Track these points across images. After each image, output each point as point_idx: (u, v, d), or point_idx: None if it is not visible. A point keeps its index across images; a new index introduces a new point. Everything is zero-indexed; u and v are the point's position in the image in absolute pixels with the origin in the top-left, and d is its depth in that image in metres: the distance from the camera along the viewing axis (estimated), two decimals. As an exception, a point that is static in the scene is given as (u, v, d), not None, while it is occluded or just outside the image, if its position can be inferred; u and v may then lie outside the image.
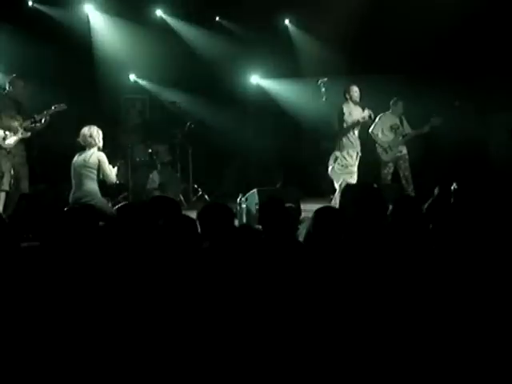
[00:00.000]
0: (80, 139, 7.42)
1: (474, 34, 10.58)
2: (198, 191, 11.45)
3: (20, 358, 2.93)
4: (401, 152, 10.01)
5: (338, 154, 9.25)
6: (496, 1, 10.48)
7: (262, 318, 2.99)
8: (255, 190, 8.41)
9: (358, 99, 9.31)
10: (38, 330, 3.02)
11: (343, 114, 9.24)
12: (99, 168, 7.33)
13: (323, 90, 11.04)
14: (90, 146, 7.36)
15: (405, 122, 10.12)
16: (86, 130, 7.42)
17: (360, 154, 9.34)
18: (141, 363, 2.90)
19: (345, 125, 9.22)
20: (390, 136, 10.06)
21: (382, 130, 10.06)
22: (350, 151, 9.23)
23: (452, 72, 10.92)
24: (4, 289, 3.23)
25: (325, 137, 11.29)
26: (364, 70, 10.63)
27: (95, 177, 7.30)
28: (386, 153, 10.04)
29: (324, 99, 10.61)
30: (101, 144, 7.44)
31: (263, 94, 12.22)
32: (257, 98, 12.08)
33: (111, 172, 7.41)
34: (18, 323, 3.05)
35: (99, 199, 7.21)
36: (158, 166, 10.93)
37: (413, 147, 10.53)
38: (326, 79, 10.34)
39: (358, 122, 9.19)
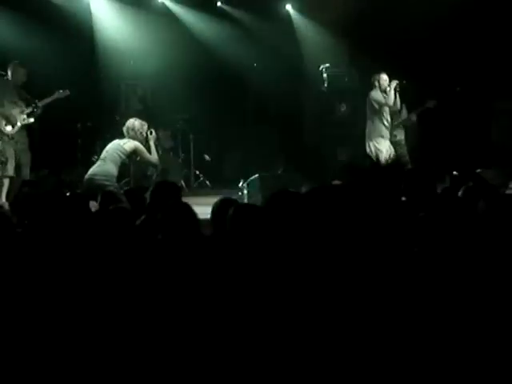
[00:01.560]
0: (124, 130, 7.61)
1: (477, 18, 10.53)
2: (200, 177, 11.45)
3: (15, 346, 2.94)
4: (395, 137, 9.89)
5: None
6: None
7: (261, 309, 2.99)
8: (257, 176, 8.41)
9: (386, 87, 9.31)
10: (32, 318, 3.02)
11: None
12: (132, 155, 7.55)
13: (325, 75, 11.04)
14: (132, 138, 7.54)
15: (403, 108, 10.01)
16: (129, 123, 7.64)
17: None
18: (136, 352, 2.91)
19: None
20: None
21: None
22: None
23: (454, 57, 10.87)
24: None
25: (326, 122, 11.31)
26: (366, 56, 10.59)
27: (120, 163, 7.47)
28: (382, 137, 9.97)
29: (326, 85, 10.63)
30: (143, 138, 7.62)
31: (264, 79, 12.17)
32: (258, 83, 12.04)
33: (151, 155, 7.63)
34: (12, 311, 3.05)
35: (114, 184, 7.31)
36: (160, 151, 10.92)
37: (412, 133, 10.51)
38: (327, 65, 10.36)
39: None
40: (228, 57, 11.61)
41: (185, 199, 8.40)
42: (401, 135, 9.95)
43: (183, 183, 10.88)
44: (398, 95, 9.36)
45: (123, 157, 7.47)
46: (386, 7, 10.73)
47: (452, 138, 11.04)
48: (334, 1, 11.09)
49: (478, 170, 8.97)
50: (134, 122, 7.65)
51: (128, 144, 7.50)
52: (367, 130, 9.39)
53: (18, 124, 8.03)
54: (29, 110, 8.11)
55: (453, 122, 10.89)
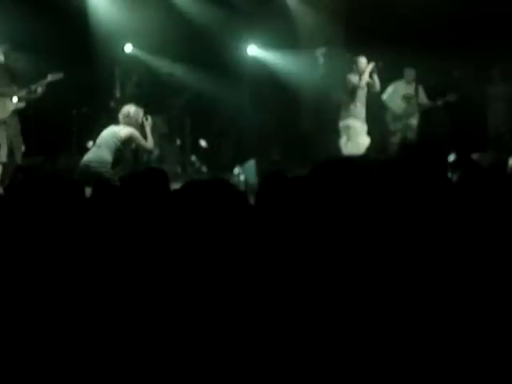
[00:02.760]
0: (119, 116, 7.61)
1: (475, 3, 10.50)
2: (196, 163, 11.42)
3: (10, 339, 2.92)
4: (412, 123, 9.94)
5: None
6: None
7: (256, 303, 2.97)
8: (253, 161, 8.40)
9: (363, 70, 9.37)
10: (27, 311, 3.00)
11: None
12: (127, 142, 7.53)
13: (321, 60, 11.03)
14: (127, 124, 7.54)
15: (421, 93, 10.01)
16: (125, 109, 7.66)
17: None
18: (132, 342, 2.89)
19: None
20: (402, 106, 10.00)
21: (394, 99, 10.00)
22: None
23: (451, 41, 10.84)
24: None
25: (323, 108, 11.27)
26: (362, 40, 10.54)
27: (115, 150, 7.43)
28: (395, 122, 9.99)
29: (322, 70, 10.60)
30: (138, 124, 7.61)
31: (261, 64, 12.12)
32: (254, 69, 11.99)
33: (146, 141, 7.64)
34: (7, 301, 3.04)
35: (109, 170, 7.29)
36: (155, 137, 10.88)
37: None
38: (324, 50, 10.32)
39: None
40: (224, 42, 11.55)
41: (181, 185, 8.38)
42: (414, 120, 9.97)
43: (179, 169, 10.85)
44: (376, 77, 9.40)
45: (118, 143, 7.45)
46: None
47: (449, 123, 11.04)
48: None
49: (475, 155, 9.01)
50: (129, 109, 7.65)
51: (123, 131, 7.48)
52: (341, 112, 9.49)
53: (10, 108, 7.98)
54: (20, 94, 8.06)
55: (449, 107, 10.88)
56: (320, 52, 11.12)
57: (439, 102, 9.94)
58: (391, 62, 10.08)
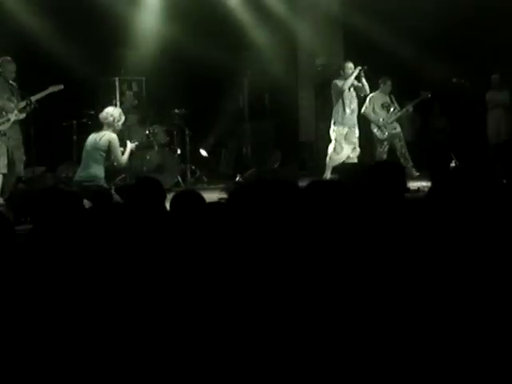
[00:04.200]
0: (100, 116, 7.47)
1: (474, 11, 10.53)
2: (196, 172, 11.42)
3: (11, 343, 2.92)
4: (395, 129, 10.06)
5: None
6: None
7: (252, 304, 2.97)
8: (253, 170, 8.41)
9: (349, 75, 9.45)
10: (30, 317, 3.01)
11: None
12: (109, 150, 7.41)
13: (320, 69, 11.08)
14: (108, 125, 7.44)
15: (394, 101, 10.16)
16: (109, 109, 7.55)
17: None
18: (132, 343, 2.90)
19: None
20: (383, 114, 10.12)
21: (374, 109, 10.11)
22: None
23: (450, 48, 10.88)
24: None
25: (322, 116, 11.28)
26: (361, 50, 10.58)
27: (103, 160, 7.41)
28: (381, 131, 10.06)
29: (321, 79, 10.65)
30: (118, 128, 7.54)
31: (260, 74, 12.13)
32: (254, 79, 11.99)
33: (122, 155, 7.51)
34: (9, 309, 3.04)
35: (103, 185, 7.33)
36: (156, 147, 10.89)
37: (409, 124, 10.55)
38: (323, 60, 10.36)
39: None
40: (221, 53, 11.56)
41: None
42: (397, 128, 10.08)
43: (180, 178, 10.85)
44: (364, 80, 9.45)
45: (103, 154, 7.41)
46: (381, 1, 10.72)
47: (448, 130, 11.07)
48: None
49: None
50: (113, 110, 7.61)
51: (104, 138, 7.41)
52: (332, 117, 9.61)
53: (11, 120, 7.97)
54: (21, 106, 8.06)
55: (448, 114, 10.91)
56: (319, 62, 11.17)
57: (413, 103, 10.08)
58: (389, 73, 10.14)
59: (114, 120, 7.47)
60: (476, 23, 10.58)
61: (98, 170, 7.33)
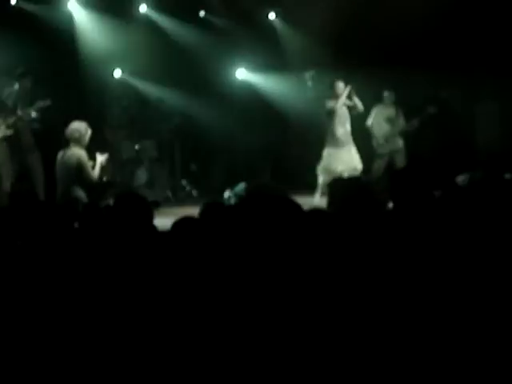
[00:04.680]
0: (66, 132, 7.33)
1: (460, 23, 10.58)
2: (186, 187, 11.41)
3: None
4: (398, 144, 10.01)
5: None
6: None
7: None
8: (243, 185, 8.40)
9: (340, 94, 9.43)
10: (26, 328, 3.00)
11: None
12: (79, 169, 7.21)
13: (310, 83, 11.09)
14: (75, 141, 7.26)
15: (401, 116, 10.11)
16: (75, 125, 7.34)
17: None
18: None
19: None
20: (386, 127, 10.05)
21: (378, 122, 10.05)
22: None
23: (438, 62, 10.92)
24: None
25: (312, 130, 11.29)
26: (350, 63, 10.61)
27: (80, 180, 7.21)
28: (382, 146, 10.02)
29: (310, 92, 10.65)
30: (85, 142, 7.34)
31: (250, 88, 12.17)
32: (243, 93, 12.03)
33: (92, 172, 7.28)
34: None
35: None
36: (145, 162, 10.88)
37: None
38: (312, 72, 10.38)
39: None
40: (212, 66, 11.60)
41: (172, 209, 8.40)
42: (400, 143, 10.03)
43: (170, 193, 10.84)
44: (356, 98, 9.44)
45: (75, 173, 7.19)
46: (371, 15, 10.76)
47: (437, 142, 11.09)
48: (317, 9, 11.10)
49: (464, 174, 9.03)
50: (79, 124, 7.34)
51: (72, 158, 7.20)
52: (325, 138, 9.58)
53: (-1, 135, 7.93)
54: (10, 121, 8.01)
55: (437, 126, 10.94)
56: (309, 74, 11.17)
57: (420, 118, 10.00)
58: (379, 84, 10.16)
59: (80, 135, 7.26)
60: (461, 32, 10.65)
61: (79, 192, 7.13)
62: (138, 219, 4.04)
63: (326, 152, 9.50)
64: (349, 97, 9.45)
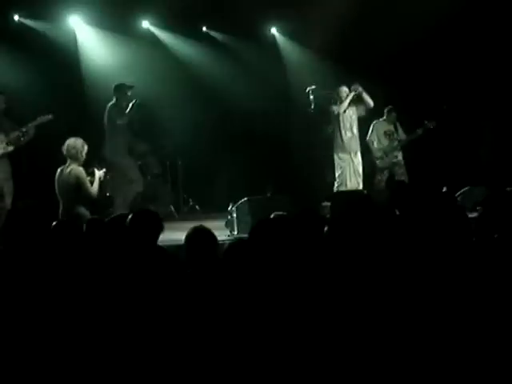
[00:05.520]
0: (63, 149, 7.32)
1: (462, 38, 10.61)
2: (189, 202, 11.41)
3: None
4: (396, 158, 10.07)
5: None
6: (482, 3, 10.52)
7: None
8: (245, 199, 8.38)
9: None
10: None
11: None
12: (78, 186, 7.20)
13: (311, 97, 11.09)
14: (72, 158, 7.26)
15: (399, 128, 10.17)
16: (71, 142, 7.33)
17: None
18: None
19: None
20: (385, 142, 10.12)
21: (378, 137, 10.11)
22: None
23: (440, 76, 10.93)
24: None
25: (314, 144, 11.30)
26: (352, 77, 10.63)
27: (81, 197, 7.20)
28: (382, 159, 10.08)
29: (312, 107, 10.66)
30: (83, 159, 7.33)
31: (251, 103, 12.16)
32: (245, 107, 12.02)
33: (91, 188, 7.26)
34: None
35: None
36: (148, 177, 10.88)
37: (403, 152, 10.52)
38: (314, 87, 10.39)
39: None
40: (215, 82, 11.62)
41: (175, 224, 8.36)
42: (400, 155, 10.07)
43: (173, 209, 10.83)
44: (365, 95, 9.55)
45: (75, 190, 7.18)
46: (372, 29, 10.79)
47: (441, 156, 11.08)
48: (318, 23, 11.14)
49: (466, 188, 9.05)
50: (75, 141, 7.31)
51: (71, 175, 7.20)
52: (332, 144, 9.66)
53: (0, 152, 7.90)
54: (12, 137, 7.98)
55: (441, 140, 10.93)
56: (310, 89, 11.18)
57: (419, 131, 10.03)
58: (379, 99, 10.16)
59: (77, 152, 7.25)
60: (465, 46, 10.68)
61: (82, 209, 7.11)
62: (152, 235, 4.15)
63: (336, 159, 9.50)
64: (356, 100, 9.49)
